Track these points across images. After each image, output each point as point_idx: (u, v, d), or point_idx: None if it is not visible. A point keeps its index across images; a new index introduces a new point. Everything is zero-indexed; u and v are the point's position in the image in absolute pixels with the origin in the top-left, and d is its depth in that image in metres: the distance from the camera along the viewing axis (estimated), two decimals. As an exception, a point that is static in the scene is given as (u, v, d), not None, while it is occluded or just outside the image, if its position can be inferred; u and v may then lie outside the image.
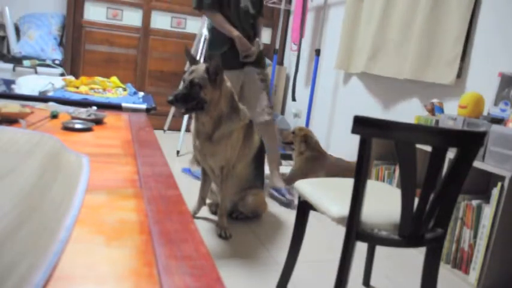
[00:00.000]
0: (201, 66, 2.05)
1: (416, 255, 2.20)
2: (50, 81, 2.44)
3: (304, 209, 1.60)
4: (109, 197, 0.69)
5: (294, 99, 4.22)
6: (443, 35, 2.69)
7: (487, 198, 2.02)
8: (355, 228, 1.24)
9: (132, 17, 4.49)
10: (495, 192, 1.92)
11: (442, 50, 2.69)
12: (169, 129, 4.45)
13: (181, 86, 2.10)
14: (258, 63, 2.91)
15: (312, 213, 1.58)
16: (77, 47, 4.35)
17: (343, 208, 1.28)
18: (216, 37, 2.83)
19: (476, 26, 2.56)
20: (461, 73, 2.62)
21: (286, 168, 3.70)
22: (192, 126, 2.19)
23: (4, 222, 0.42)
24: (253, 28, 2.89)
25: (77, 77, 2.90)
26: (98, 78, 2.59)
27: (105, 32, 4.42)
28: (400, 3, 3.05)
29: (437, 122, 2.40)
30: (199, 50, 3.85)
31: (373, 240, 1.30)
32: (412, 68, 2.85)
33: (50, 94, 2.26)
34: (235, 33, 2.72)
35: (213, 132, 2.09)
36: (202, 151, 2.17)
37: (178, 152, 3.71)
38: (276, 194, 2.91)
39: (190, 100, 2.00)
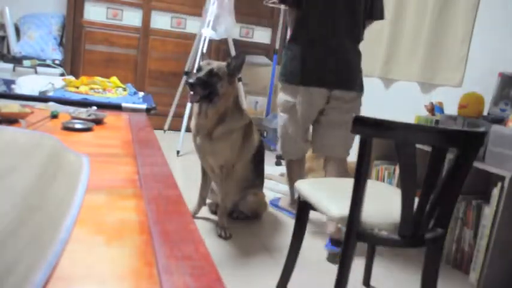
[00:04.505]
0: (221, 63, 2.11)
1: (416, 255, 2.20)
2: (50, 81, 2.44)
3: (304, 209, 1.60)
4: (109, 197, 0.69)
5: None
6: (450, 38, 2.72)
7: (487, 198, 2.02)
8: (355, 228, 1.24)
9: (132, 17, 4.49)
10: (495, 192, 1.92)
11: (449, 53, 2.71)
12: (169, 129, 4.45)
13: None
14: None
15: (312, 213, 1.58)
16: (77, 47, 4.34)
17: (343, 208, 1.28)
18: None
19: (475, 26, 2.56)
20: (461, 73, 2.63)
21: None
22: (192, 123, 2.19)
23: (4, 222, 0.42)
24: None
25: (77, 77, 2.90)
26: (98, 78, 2.59)
27: (105, 32, 4.42)
28: (410, 9, 3.07)
29: (437, 122, 2.40)
30: (200, 50, 3.85)
31: (373, 240, 1.30)
32: (422, 71, 2.89)
33: (50, 94, 2.26)
34: None
35: (213, 128, 2.10)
36: (201, 148, 2.18)
37: (178, 152, 3.72)
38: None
39: (206, 88, 2.03)
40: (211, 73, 2.03)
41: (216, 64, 2.08)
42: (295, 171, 2.53)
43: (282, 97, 2.34)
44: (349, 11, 2.19)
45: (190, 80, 2.01)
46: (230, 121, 2.11)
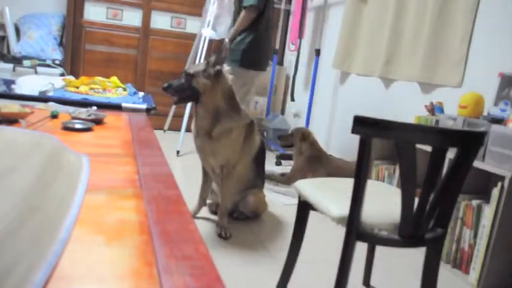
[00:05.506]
0: (201, 62, 2.19)
1: (417, 255, 2.20)
2: (50, 81, 2.44)
3: (304, 209, 1.60)
4: (109, 197, 0.69)
5: (292, 99, 4.22)
6: (450, 38, 2.71)
7: (487, 198, 2.02)
8: (355, 228, 1.24)
9: (132, 17, 4.49)
10: (495, 192, 1.92)
11: (449, 53, 2.71)
12: (169, 129, 4.45)
13: None
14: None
15: (312, 213, 1.58)
16: (77, 47, 4.34)
17: (343, 208, 1.28)
18: None
19: (475, 26, 2.56)
20: (461, 73, 2.63)
21: (286, 168, 3.70)
22: (192, 125, 2.20)
23: (4, 222, 0.42)
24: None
25: (77, 77, 2.90)
26: (98, 78, 2.59)
27: (105, 32, 4.42)
28: (410, 9, 3.07)
29: (437, 122, 2.40)
30: (199, 50, 3.85)
31: (373, 240, 1.30)
32: (422, 71, 2.88)
33: (50, 94, 2.26)
34: None
35: (211, 128, 2.10)
36: (202, 149, 2.18)
37: (178, 152, 3.71)
38: None
39: (183, 90, 2.11)
40: (185, 74, 2.11)
41: (195, 65, 2.15)
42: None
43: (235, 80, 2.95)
44: (271, 12, 3.25)
45: (164, 84, 2.14)
46: (227, 120, 2.11)
